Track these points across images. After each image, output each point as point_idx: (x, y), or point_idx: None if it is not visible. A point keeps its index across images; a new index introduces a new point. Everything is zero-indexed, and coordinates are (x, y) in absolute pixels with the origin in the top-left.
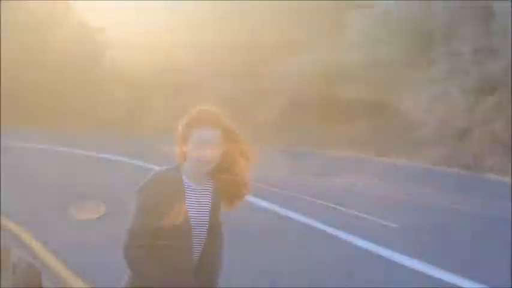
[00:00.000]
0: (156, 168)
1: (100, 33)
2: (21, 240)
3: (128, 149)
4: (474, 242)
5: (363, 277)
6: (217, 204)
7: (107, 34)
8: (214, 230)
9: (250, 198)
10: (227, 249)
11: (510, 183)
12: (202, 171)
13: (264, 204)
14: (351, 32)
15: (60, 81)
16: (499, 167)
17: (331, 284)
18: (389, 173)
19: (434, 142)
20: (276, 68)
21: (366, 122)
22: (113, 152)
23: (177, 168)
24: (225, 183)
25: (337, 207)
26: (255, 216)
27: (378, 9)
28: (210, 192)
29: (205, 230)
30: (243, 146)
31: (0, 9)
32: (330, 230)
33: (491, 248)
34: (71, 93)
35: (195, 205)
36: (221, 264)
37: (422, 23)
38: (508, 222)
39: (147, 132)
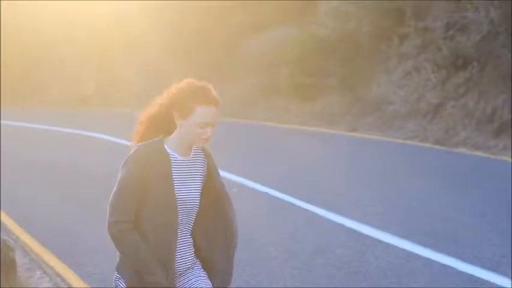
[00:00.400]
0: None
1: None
2: None
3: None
4: (443, 215)
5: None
6: (212, 170)
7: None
8: (218, 197)
9: None
10: None
11: (482, 156)
12: (193, 146)
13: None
14: (322, 7)
15: (30, 60)
16: (470, 142)
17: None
18: (359, 148)
19: (406, 117)
20: (246, 45)
21: (337, 97)
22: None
23: (160, 140)
24: None
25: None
26: None
27: None
28: (200, 161)
29: (196, 203)
30: None
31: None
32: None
33: (461, 221)
34: (40, 71)
35: (183, 177)
36: (236, 234)
37: None
38: (481, 196)
39: (120, 107)
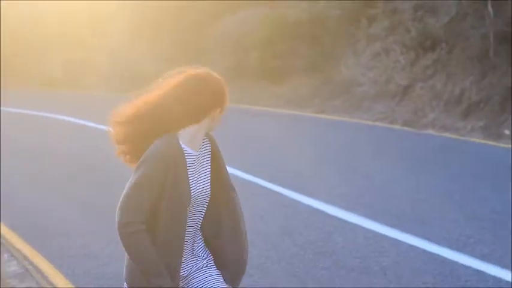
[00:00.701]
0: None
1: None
2: None
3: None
4: (410, 197)
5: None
6: (218, 155)
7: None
8: (222, 183)
9: None
10: None
11: (449, 137)
12: (202, 136)
13: None
14: None
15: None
16: (438, 123)
17: None
18: (328, 130)
19: (375, 99)
20: (216, 27)
21: (305, 79)
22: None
23: (175, 136)
24: None
25: None
26: None
27: None
28: (207, 150)
29: (208, 196)
30: None
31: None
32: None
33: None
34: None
35: (197, 172)
36: (242, 220)
37: None
38: (449, 177)
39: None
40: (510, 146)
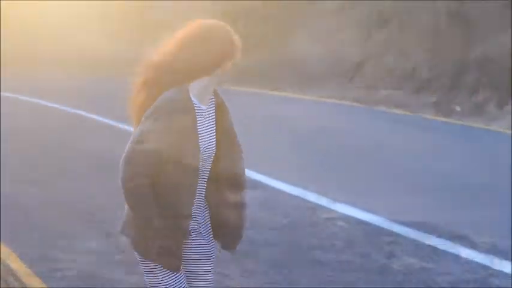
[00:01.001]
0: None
1: None
2: None
3: None
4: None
5: None
6: (224, 108)
7: None
8: (226, 138)
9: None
10: None
11: (401, 113)
12: (212, 89)
13: None
14: None
15: None
16: (390, 99)
17: None
18: (280, 107)
19: (327, 76)
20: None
21: (259, 57)
22: None
23: (187, 90)
24: None
25: None
26: None
27: None
28: (212, 105)
29: (213, 152)
30: None
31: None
32: None
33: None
34: None
35: (204, 127)
36: (243, 183)
37: None
38: (401, 152)
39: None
40: (460, 122)
